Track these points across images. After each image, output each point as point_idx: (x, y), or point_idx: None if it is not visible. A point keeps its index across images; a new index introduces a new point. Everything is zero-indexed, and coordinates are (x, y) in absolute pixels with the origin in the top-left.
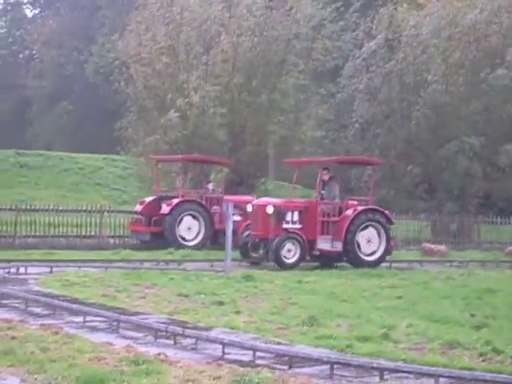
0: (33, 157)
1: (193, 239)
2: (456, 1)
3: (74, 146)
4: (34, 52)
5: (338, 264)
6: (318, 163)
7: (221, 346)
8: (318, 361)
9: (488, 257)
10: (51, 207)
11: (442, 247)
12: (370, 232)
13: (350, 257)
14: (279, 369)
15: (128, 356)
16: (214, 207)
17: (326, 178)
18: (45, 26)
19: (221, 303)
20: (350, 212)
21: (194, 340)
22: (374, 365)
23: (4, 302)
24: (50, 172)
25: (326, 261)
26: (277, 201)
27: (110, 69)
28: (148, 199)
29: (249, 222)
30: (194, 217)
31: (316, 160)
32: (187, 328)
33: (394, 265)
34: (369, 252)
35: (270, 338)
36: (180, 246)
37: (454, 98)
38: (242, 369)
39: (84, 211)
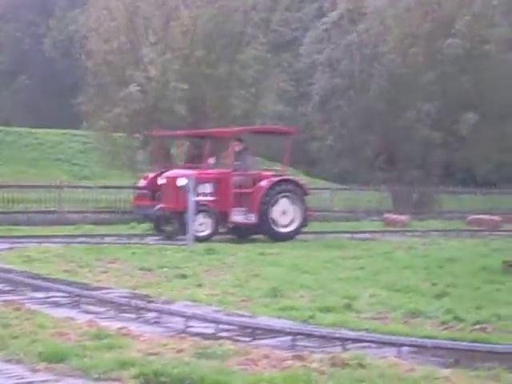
0: None
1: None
2: None
3: (33, 121)
4: None
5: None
6: (230, 134)
7: (183, 319)
8: (281, 332)
9: (449, 226)
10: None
11: (404, 217)
12: (285, 203)
13: (264, 229)
14: (242, 341)
15: (90, 331)
16: None
17: (238, 148)
18: None
19: (183, 276)
20: (263, 183)
21: (156, 314)
22: (337, 335)
23: None
24: (9, 148)
25: (242, 233)
26: (188, 173)
27: (67, 43)
28: (151, 174)
29: None
30: None
31: (227, 131)
32: (150, 302)
33: (355, 236)
34: (284, 223)
35: (233, 310)
36: None
37: (410, 68)
38: (204, 341)
39: (43, 187)
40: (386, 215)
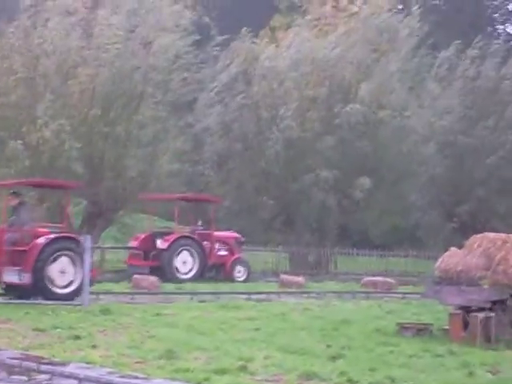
0: None
1: (187, 272)
2: (312, 36)
3: None
4: None
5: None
6: (2, 186)
7: (76, 382)
8: None
9: (344, 288)
10: None
11: (300, 278)
12: (64, 261)
13: (40, 290)
14: None
15: None
16: (204, 242)
17: (14, 202)
18: None
19: (77, 337)
20: (40, 240)
21: (48, 376)
22: None
23: None
24: None
25: (19, 294)
26: None
27: None
28: (142, 235)
29: (236, 255)
30: (189, 251)
31: (2, 183)
32: (42, 363)
33: (252, 296)
34: (63, 284)
35: (127, 372)
36: (176, 280)
37: (308, 132)
38: None
39: None
40: (282, 276)
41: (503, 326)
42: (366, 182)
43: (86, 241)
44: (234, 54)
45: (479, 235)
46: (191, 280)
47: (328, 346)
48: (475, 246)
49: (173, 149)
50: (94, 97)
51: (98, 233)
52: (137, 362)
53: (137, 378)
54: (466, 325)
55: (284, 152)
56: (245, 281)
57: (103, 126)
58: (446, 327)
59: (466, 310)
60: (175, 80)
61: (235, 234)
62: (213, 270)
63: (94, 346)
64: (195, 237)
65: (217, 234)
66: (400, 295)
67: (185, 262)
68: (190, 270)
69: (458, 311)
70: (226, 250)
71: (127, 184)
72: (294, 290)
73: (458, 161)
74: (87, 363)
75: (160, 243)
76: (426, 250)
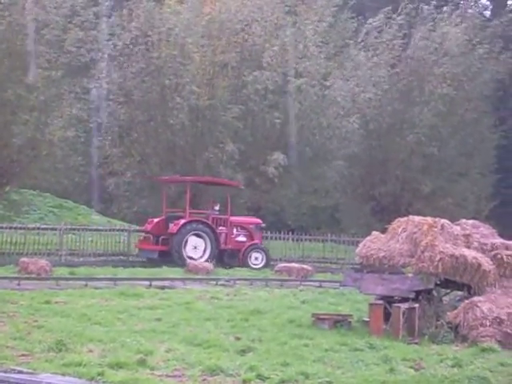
0: None
1: (199, 258)
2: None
3: None
4: None
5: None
6: None
7: None
8: None
9: (257, 275)
10: None
11: (207, 264)
12: None
13: None
14: None
15: None
16: (220, 228)
17: None
18: None
19: None
20: None
21: None
22: None
23: None
24: None
25: None
26: None
27: None
28: (156, 219)
29: (254, 241)
30: (200, 236)
31: None
32: None
33: (154, 283)
34: None
35: (10, 366)
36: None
37: (216, 101)
38: None
39: None
40: (189, 261)
41: (428, 318)
42: (279, 157)
43: None
44: (132, 15)
45: (404, 218)
46: None
47: (237, 339)
48: (399, 230)
49: (67, 115)
50: None
51: None
52: (22, 355)
53: (21, 372)
54: (387, 316)
55: (190, 123)
56: (262, 268)
57: None
58: (366, 319)
59: (388, 300)
60: (70, 38)
61: (255, 220)
62: (230, 256)
63: None
64: (207, 221)
65: (234, 218)
66: (317, 283)
67: (195, 247)
68: (201, 256)
69: (379, 301)
70: (245, 236)
71: (15, 155)
72: (200, 276)
73: (380, 137)
74: None
75: (171, 227)
76: (346, 235)
